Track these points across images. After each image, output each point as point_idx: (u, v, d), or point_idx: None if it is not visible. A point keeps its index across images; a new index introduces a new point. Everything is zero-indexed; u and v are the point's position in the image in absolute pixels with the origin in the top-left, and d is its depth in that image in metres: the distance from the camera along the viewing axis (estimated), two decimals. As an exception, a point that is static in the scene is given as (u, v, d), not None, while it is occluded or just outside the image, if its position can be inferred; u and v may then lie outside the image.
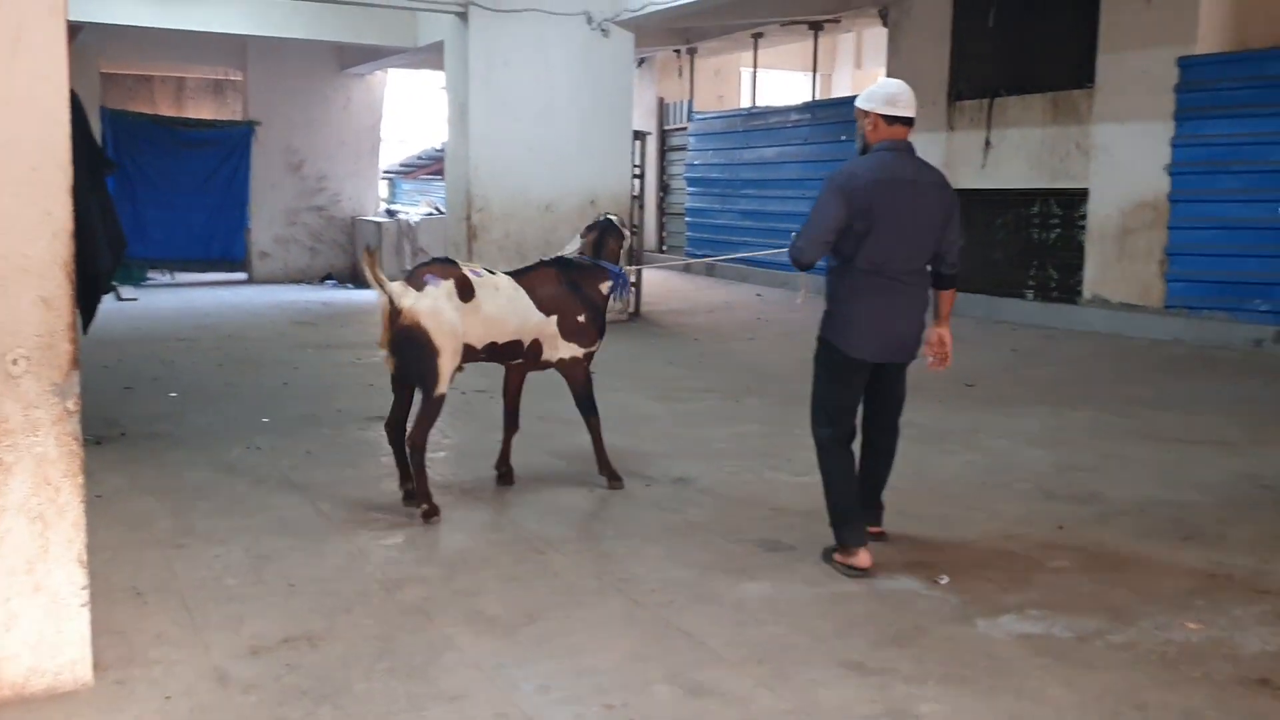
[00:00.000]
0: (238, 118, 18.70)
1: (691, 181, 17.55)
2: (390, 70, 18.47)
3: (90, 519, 3.39)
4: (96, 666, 3.41)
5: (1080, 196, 11.51)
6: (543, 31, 12.06)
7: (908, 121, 4.55)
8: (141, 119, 17.40)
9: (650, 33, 15.86)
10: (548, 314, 5.53)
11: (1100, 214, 11.26)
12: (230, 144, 17.49)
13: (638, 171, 13.08)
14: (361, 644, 3.75)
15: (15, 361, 3.15)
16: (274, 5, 13.99)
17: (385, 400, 8.34)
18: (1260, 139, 9.87)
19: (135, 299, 14.83)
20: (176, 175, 17.11)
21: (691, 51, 17.66)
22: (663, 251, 18.47)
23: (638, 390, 8.59)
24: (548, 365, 5.66)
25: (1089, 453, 6.66)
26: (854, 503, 4.61)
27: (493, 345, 5.38)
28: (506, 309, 5.39)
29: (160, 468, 6.09)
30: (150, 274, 17.14)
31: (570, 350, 5.63)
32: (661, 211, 18.62)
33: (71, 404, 3.24)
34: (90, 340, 10.75)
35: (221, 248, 17.71)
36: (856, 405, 4.70)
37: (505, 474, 5.79)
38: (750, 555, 4.77)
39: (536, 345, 5.54)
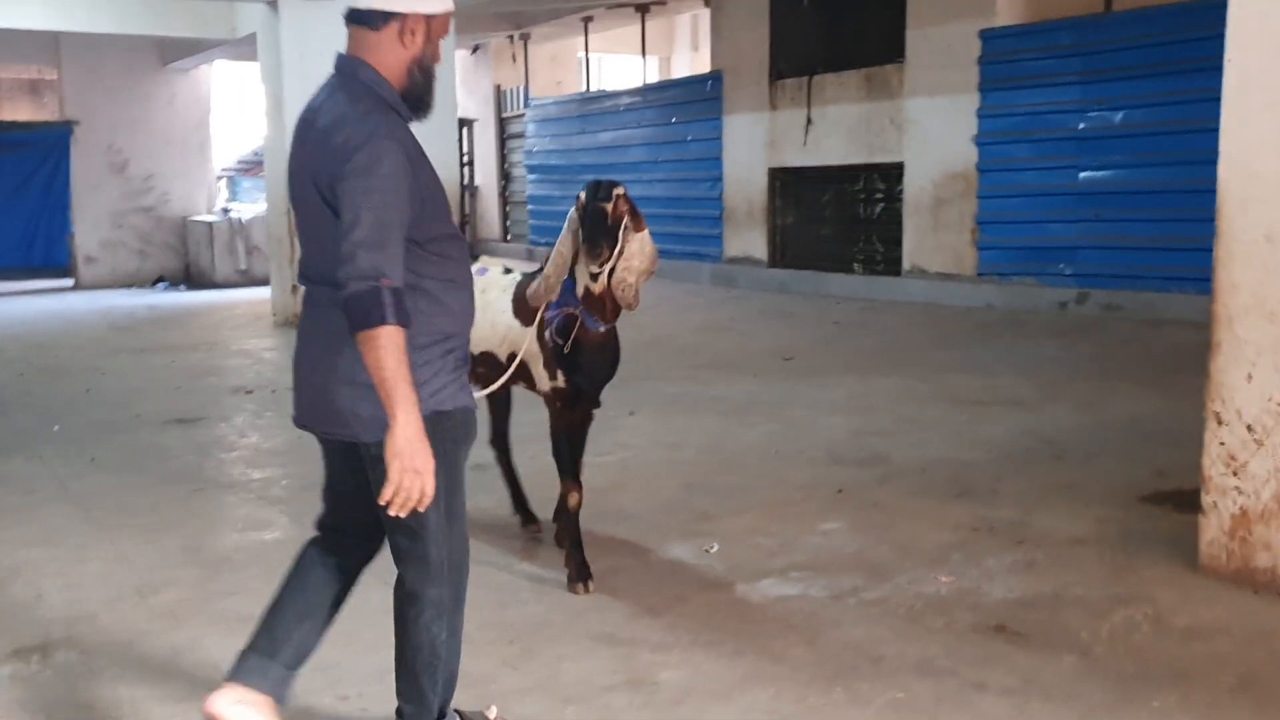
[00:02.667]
0: (54, 118, 17.89)
1: (531, 169, 17.46)
2: (220, 64, 17.90)
3: None
4: None
5: (897, 170, 11.82)
6: (359, 19, 11.79)
7: (362, 20, 2.60)
8: (-53, 122, 16.53)
9: (479, 19, 15.71)
10: (526, 322, 4.08)
11: (915, 186, 11.58)
12: (46, 146, 16.75)
13: (466, 159, 12.93)
14: (98, 651, 3.60)
15: None
16: (78, -1, 13.39)
17: (189, 403, 8.16)
18: (1057, 108, 10.26)
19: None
20: (-12, 180, 16.33)
21: (525, 37, 17.56)
22: (506, 241, 18.34)
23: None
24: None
25: (886, 417, 6.83)
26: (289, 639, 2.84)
27: (472, 358, 4.06)
28: (480, 316, 3.94)
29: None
30: (-34, 284, 16.32)
31: (542, 380, 4.16)
32: (504, 200, 18.48)
33: None
34: None
35: (43, 254, 16.97)
36: (331, 499, 2.95)
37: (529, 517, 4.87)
38: (531, 537, 4.75)
39: (523, 363, 4.08)
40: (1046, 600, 3.90)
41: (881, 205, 12.25)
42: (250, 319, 12.84)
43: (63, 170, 16.82)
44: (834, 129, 12.39)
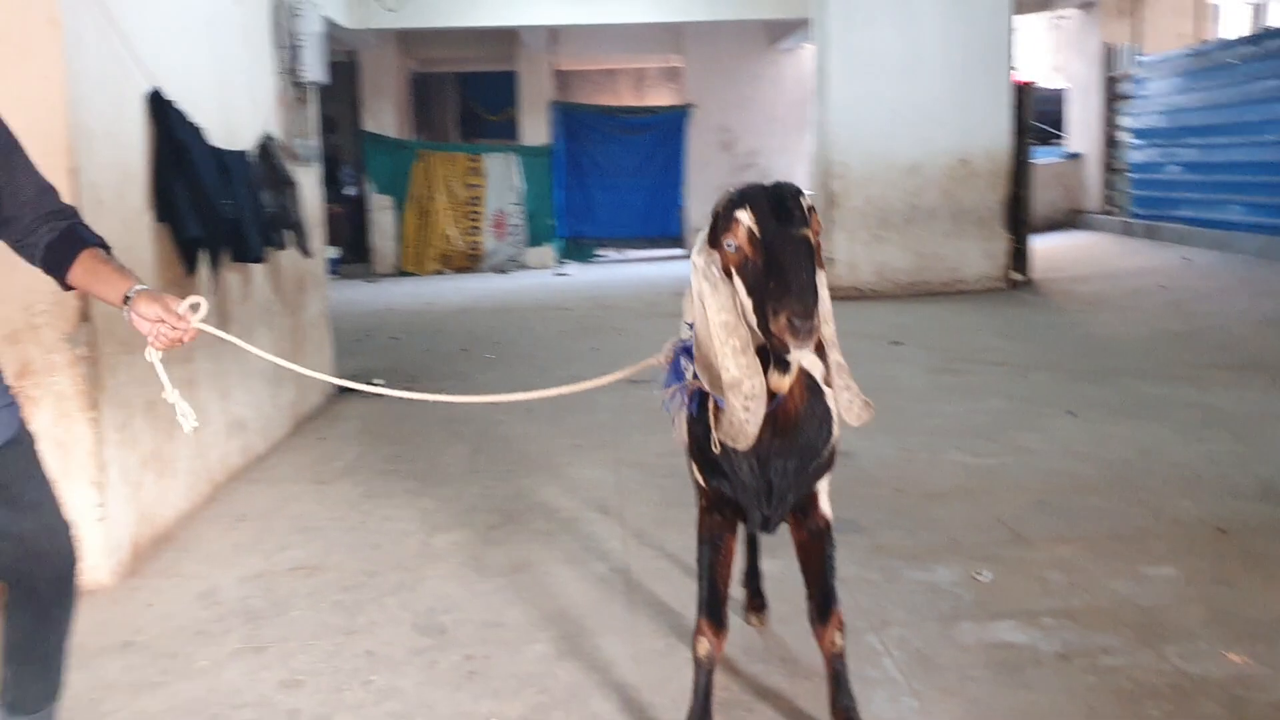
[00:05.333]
0: (678, 102, 19.74)
1: (1137, 134, 15.72)
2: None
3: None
4: (125, 572, 4.08)
5: None
6: (908, -15, 11.53)
7: None
8: (588, 110, 18.99)
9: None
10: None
11: None
12: (667, 127, 18.56)
13: (1027, 128, 12.04)
14: (346, 576, 4.08)
15: (36, 314, 3.85)
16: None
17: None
18: None
19: (566, 274, 16.29)
20: (619, 159, 18.49)
21: (1137, -11, 15.79)
22: (1106, 213, 16.72)
23: (918, 360, 8.08)
24: None
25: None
26: None
27: None
28: None
29: (393, 418, 6.81)
30: (599, 252, 18.65)
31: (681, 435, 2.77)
32: (1107, 168, 16.85)
33: (82, 350, 3.89)
34: (474, 309, 12.12)
35: (659, 225, 18.85)
36: None
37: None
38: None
39: None
40: (1357, 716, 2.83)
41: None
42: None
43: (679, 149, 18.55)
44: None
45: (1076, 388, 6.92)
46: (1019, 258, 11.96)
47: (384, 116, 17.27)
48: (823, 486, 2.65)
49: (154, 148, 4.48)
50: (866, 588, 3.83)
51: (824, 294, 2.27)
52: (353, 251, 17.07)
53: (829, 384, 2.49)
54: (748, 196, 2.25)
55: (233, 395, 5.34)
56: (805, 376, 2.46)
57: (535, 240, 17.39)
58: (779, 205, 2.22)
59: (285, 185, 5.96)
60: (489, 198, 17.06)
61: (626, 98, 22.47)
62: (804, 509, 2.65)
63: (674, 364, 2.64)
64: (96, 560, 3.98)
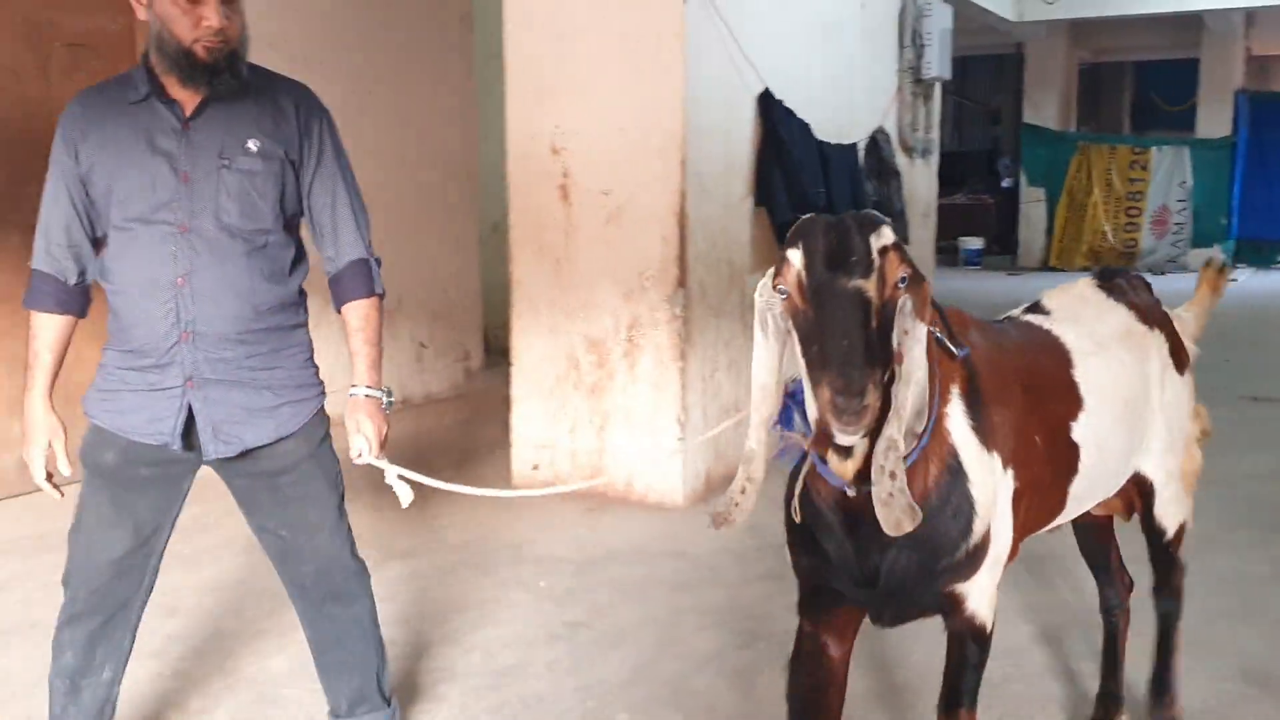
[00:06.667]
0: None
1: None
2: None
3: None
4: (696, 498, 4.85)
5: None
6: None
7: None
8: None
9: None
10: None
11: None
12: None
13: None
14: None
15: (646, 277, 4.72)
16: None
17: None
18: None
19: (1234, 279, 14.90)
20: (1319, 154, 16.44)
21: None
22: None
23: None
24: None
25: None
26: None
27: None
28: None
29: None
30: (1281, 256, 16.77)
31: None
32: None
33: (678, 310, 4.69)
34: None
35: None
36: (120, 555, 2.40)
37: None
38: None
39: None
40: None
41: None
42: None
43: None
44: None
45: None
46: None
47: (1047, 108, 17.01)
48: (975, 587, 2.05)
49: (759, 141, 5.18)
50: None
51: (915, 353, 1.78)
52: (1000, 243, 17.12)
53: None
54: (803, 231, 1.77)
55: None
56: (947, 453, 1.94)
57: (1201, 240, 16.03)
58: (837, 244, 1.72)
59: (890, 176, 6.41)
60: (1152, 193, 16.11)
61: (1339, 83, 19.72)
62: (944, 609, 2.09)
63: (786, 408, 2.01)
64: (673, 484, 4.80)
